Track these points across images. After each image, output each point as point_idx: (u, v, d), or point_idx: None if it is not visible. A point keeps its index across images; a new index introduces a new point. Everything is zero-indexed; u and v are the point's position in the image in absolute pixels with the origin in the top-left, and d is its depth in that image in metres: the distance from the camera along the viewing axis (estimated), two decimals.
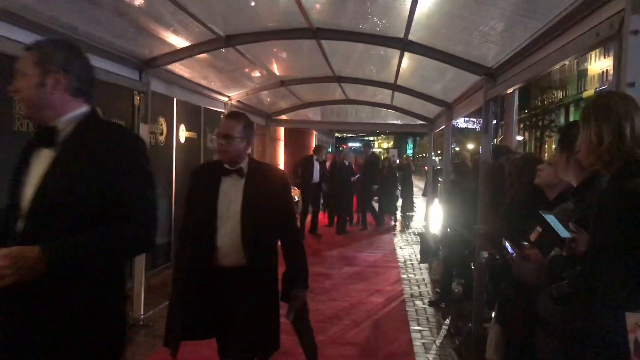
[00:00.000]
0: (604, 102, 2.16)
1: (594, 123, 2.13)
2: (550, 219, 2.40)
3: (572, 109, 49.92)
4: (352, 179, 13.50)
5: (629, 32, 2.41)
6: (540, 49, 3.92)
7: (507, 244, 3.37)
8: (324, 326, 6.06)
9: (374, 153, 16.84)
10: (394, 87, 8.32)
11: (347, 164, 13.58)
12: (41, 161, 2.09)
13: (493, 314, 4.34)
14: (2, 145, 4.68)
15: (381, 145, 58.22)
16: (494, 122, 7.05)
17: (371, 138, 58.61)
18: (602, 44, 2.91)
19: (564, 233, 2.36)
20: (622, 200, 1.98)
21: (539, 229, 2.51)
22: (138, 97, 6.04)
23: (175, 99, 8.30)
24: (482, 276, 5.47)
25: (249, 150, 3.36)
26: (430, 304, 7.08)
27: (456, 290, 7.36)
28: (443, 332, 6.06)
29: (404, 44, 5.64)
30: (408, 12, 4.72)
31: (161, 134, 8.16)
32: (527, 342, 3.19)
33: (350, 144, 48.45)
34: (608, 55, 43.13)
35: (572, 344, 2.49)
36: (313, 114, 12.63)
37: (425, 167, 24.57)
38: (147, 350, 5.14)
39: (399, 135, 56.14)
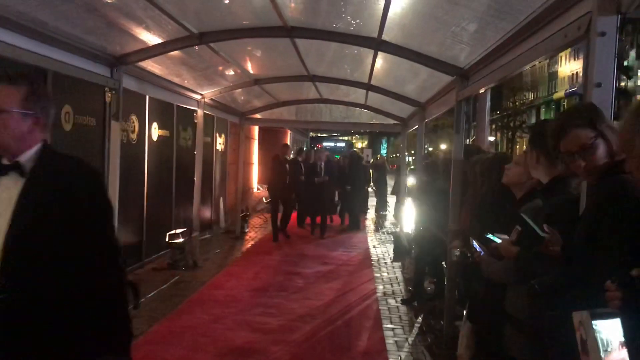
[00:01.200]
0: None
1: None
2: (528, 218, 2.43)
3: (543, 110, 50.79)
4: (318, 179, 12.53)
5: (596, 34, 2.45)
6: (510, 50, 3.97)
7: (474, 242, 3.41)
8: (297, 325, 6.07)
9: (355, 152, 16.79)
10: (368, 86, 8.35)
11: (320, 164, 12.90)
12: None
13: (464, 312, 4.38)
14: None
15: (356, 145, 58.34)
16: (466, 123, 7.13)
17: (346, 138, 58.69)
18: (570, 45, 2.97)
19: (542, 233, 2.40)
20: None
21: (518, 228, 2.55)
22: (109, 94, 5.94)
23: (147, 97, 8.23)
24: (453, 274, 5.53)
25: (42, 135, 2.21)
26: (403, 302, 7.13)
27: (428, 289, 7.42)
28: (415, 330, 6.11)
29: (378, 44, 5.67)
30: (381, 12, 4.74)
31: (133, 131, 8.07)
32: (497, 339, 3.23)
33: (325, 144, 48.49)
34: (578, 58, 43.93)
35: (539, 340, 2.53)
36: (287, 113, 12.61)
37: (393, 166, 24.77)
38: None
39: (374, 135, 56.34)
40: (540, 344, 2.51)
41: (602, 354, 1.59)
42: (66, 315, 2.09)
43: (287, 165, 12.31)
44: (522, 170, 3.20)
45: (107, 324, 2.17)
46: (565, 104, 50.78)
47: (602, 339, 1.62)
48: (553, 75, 52.42)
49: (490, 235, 3.07)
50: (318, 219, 12.61)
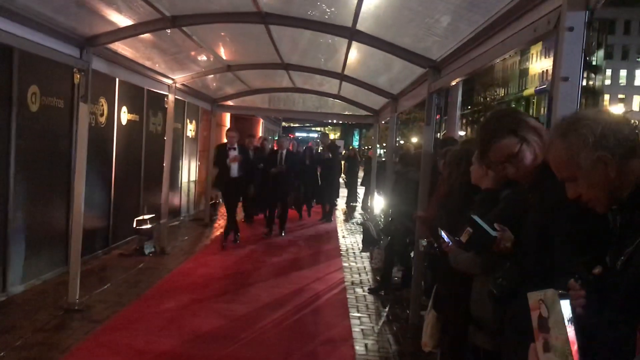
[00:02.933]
0: None
1: None
2: (478, 219, 2.46)
3: (513, 105, 51.53)
4: (274, 169, 10.75)
5: (565, 29, 2.50)
6: (482, 43, 4.02)
7: (443, 233, 3.45)
8: (265, 312, 6.07)
9: (334, 142, 16.08)
10: (342, 76, 8.36)
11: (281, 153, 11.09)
12: None
13: (430, 301, 4.44)
14: None
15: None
16: (438, 116, 7.19)
17: (318, 128, 58.66)
18: (540, 39, 3.02)
19: (493, 232, 2.44)
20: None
21: (469, 229, 2.57)
22: (78, 76, 5.83)
23: (117, 80, 8.09)
24: (420, 264, 5.60)
25: None
26: (370, 291, 7.19)
27: (396, 279, 7.50)
28: (382, 318, 6.17)
29: (352, 33, 5.67)
30: (356, 1, 4.74)
31: (102, 114, 7.94)
32: (461, 329, 3.28)
33: (297, 134, 48.39)
34: (549, 56, 44.69)
35: (502, 341, 2.57)
36: (260, 101, 12.54)
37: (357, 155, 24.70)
38: (81, 335, 5.01)
39: (346, 126, 56.46)
40: (504, 344, 2.55)
41: (567, 327, 1.63)
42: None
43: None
44: (480, 172, 3.27)
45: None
46: (535, 100, 51.64)
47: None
48: (524, 72, 53.26)
49: (441, 232, 3.11)
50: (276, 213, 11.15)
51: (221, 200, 10.47)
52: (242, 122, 18.72)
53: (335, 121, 42.00)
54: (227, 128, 12.42)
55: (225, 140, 9.89)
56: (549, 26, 2.69)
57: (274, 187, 10.82)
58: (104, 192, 8.19)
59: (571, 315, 1.62)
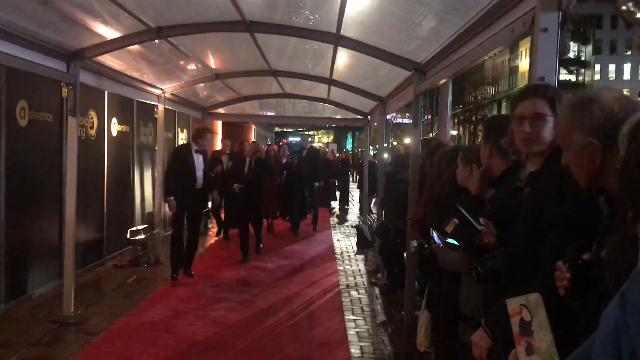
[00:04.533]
0: None
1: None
2: (465, 211, 2.52)
3: (504, 104, 51.79)
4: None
5: (539, 30, 2.55)
6: (464, 45, 4.08)
7: (434, 233, 3.50)
8: (260, 318, 6.10)
9: (314, 147, 15.00)
10: (330, 81, 8.41)
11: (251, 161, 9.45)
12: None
13: (423, 301, 4.48)
14: None
15: (321, 140, 58.46)
16: (429, 116, 7.25)
17: (311, 132, 58.75)
18: (517, 40, 3.07)
19: (478, 226, 2.49)
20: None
21: (455, 220, 2.62)
22: (66, 90, 5.85)
23: (106, 92, 8.11)
24: (412, 265, 5.64)
25: None
26: (380, 289, 7.21)
27: (378, 275, 7.53)
28: (376, 320, 6.20)
29: (337, 39, 5.73)
30: (339, 8, 4.79)
31: (92, 127, 7.96)
32: (451, 328, 3.33)
33: (290, 139, 48.42)
34: None
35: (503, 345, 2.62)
36: (251, 107, 12.57)
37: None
38: (77, 348, 5.02)
39: (339, 129, 56.57)
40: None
41: (550, 331, 1.67)
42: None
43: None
44: (464, 173, 3.32)
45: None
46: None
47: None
48: (514, 70, 53.47)
49: (433, 233, 3.17)
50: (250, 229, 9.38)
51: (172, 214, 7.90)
52: (234, 129, 18.76)
53: (327, 125, 42.13)
54: (212, 134, 9.53)
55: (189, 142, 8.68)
56: (524, 27, 2.74)
57: (243, 199, 9.12)
58: (97, 204, 8.20)
59: None
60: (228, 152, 11.15)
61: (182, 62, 7.62)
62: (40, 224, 6.70)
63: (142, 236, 8.66)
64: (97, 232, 8.25)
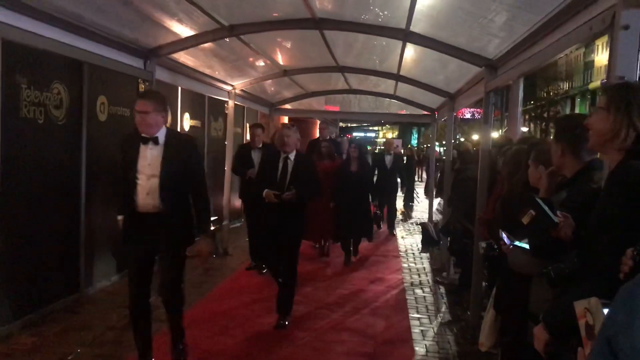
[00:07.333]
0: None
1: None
2: (541, 202, 2.46)
3: (577, 100, 49.72)
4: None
5: (620, 27, 2.47)
6: (538, 42, 3.97)
7: (503, 234, 3.44)
8: (325, 312, 6.18)
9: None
10: (397, 77, 8.37)
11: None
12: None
13: (490, 301, 4.42)
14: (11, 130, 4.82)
15: (386, 135, 58.05)
16: (498, 113, 7.09)
17: (375, 128, 58.49)
18: (596, 38, 2.97)
19: (555, 218, 2.43)
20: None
21: (532, 212, 2.57)
22: (142, 86, 6.11)
23: (179, 88, 8.40)
24: (480, 265, 5.55)
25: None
26: (450, 291, 7.15)
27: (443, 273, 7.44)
28: (441, 320, 6.15)
29: (406, 35, 5.69)
30: (409, 4, 4.77)
31: (166, 122, 8.23)
32: (520, 331, 3.27)
33: (355, 134, 48.39)
34: None
35: (558, 339, 2.56)
36: (317, 103, 12.67)
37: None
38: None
39: (404, 125, 55.98)
40: (562, 343, 2.54)
41: None
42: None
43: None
44: (536, 174, 3.25)
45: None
46: (601, 94, 49.52)
47: None
48: (589, 65, 51.20)
49: (502, 233, 3.11)
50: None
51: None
52: (300, 124, 18.94)
53: (391, 120, 41.81)
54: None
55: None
56: (604, 24, 2.65)
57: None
58: None
59: None
60: (260, 145, 7.97)
61: (251, 59, 7.78)
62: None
63: (212, 228, 8.88)
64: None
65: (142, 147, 4.16)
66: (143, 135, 4.16)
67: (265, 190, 5.59)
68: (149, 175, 4.13)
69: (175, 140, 4.29)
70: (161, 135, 4.21)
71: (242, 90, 9.09)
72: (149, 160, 4.14)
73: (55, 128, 5.63)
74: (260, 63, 8.07)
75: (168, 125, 4.36)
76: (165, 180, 4.10)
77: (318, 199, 6.76)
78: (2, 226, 4.91)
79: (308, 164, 5.91)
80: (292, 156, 5.69)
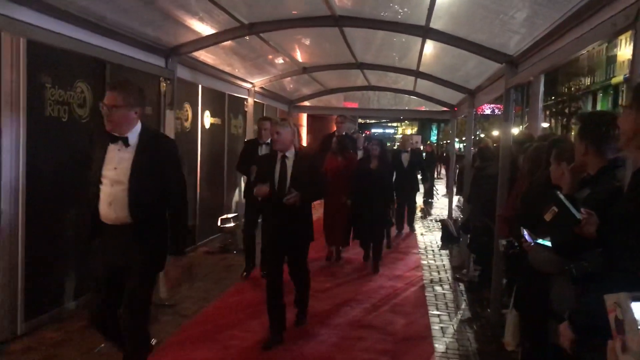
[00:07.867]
0: None
1: None
2: (564, 198, 2.45)
3: (600, 95, 48.99)
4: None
5: None
6: (559, 39, 3.95)
7: (525, 231, 3.42)
8: (344, 309, 6.20)
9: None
10: (417, 73, 8.35)
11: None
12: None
13: (511, 300, 4.40)
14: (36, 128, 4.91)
15: (405, 132, 57.83)
16: (519, 109, 7.03)
17: (395, 124, 58.30)
18: (619, 34, 2.94)
19: (578, 215, 2.42)
20: None
21: (554, 209, 2.55)
22: (164, 84, 6.18)
23: (200, 86, 8.46)
24: (500, 263, 5.53)
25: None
26: (468, 288, 7.15)
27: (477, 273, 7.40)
28: (461, 317, 6.14)
29: (425, 32, 5.68)
30: (429, 1, 4.76)
31: (186, 119, 8.33)
32: (541, 329, 3.26)
33: (373, 130, 48.28)
34: None
35: (583, 337, 2.55)
36: (336, 100, 12.68)
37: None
38: (172, 329, 5.32)
39: (423, 121, 55.69)
40: (584, 341, 2.53)
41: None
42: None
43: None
44: (559, 172, 3.24)
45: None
46: (625, 89, 48.75)
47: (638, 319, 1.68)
48: (611, 59, 50.38)
49: (523, 231, 3.10)
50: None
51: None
52: (319, 121, 18.98)
53: (410, 116, 41.63)
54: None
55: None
56: (628, 20, 2.63)
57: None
58: (190, 193, 8.59)
59: None
60: (268, 140, 6.76)
61: (271, 57, 7.82)
62: None
63: (232, 224, 8.96)
64: (191, 219, 8.64)
65: (110, 147, 3.55)
66: (112, 133, 3.54)
67: (257, 186, 5.00)
68: (112, 181, 3.51)
69: (151, 142, 3.62)
70: (133, 135, 3.56)
71: (261, 87, 9.14)
72: (116, 163, 3.52)
73: (79, 126, 5.72)
74: (280, 60, 8.11)
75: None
76: (135, 189, 3.48)
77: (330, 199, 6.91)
78: (27, 223, 5.00)
79: (310, 163, 5.23)
80: (290, 155, 5.04)
